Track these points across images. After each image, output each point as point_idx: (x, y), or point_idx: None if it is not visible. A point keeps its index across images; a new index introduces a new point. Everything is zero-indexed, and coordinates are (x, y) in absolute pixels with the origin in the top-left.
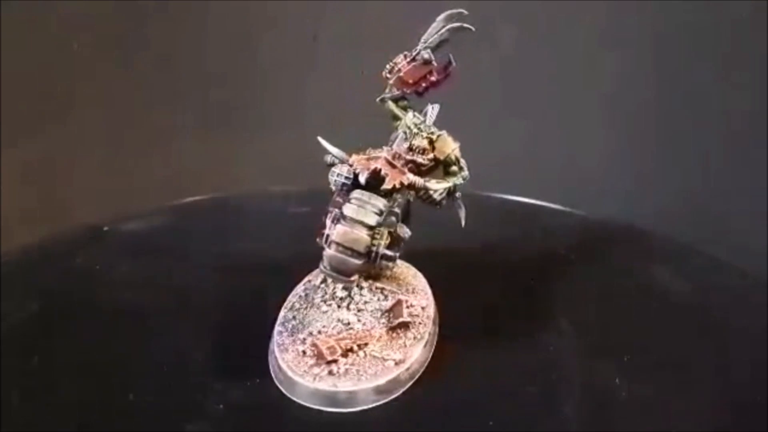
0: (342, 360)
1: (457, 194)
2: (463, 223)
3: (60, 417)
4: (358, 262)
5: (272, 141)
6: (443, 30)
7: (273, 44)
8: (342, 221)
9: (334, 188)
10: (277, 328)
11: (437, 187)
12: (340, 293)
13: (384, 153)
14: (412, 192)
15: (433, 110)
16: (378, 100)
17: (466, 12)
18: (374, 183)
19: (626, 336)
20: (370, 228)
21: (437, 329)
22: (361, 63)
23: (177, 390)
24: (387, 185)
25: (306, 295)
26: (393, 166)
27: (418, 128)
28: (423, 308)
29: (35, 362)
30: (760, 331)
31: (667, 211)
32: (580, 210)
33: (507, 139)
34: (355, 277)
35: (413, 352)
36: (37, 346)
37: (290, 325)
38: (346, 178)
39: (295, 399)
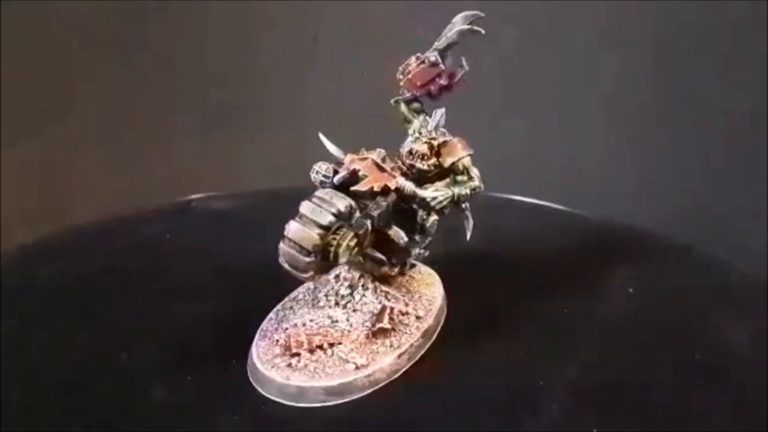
0: (306, 355)
1: (464, 205)
2: (468, 235)
3: (60, 416)
4: (306, 259)
5: (272, 141)
6: (451, 32)
7: (273, 44)
8: (297, 218)
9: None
10: (270, 315)
11: (431, 194)
12: (344, 291)
13: (374, 154)
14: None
15: (435, 115)
16: (392, 101)
17: (482, 14)
18: (349, 183)
19: (626, 336)
20: (323, 227)
21: (430, 343)
22: (361, 63)
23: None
24: (360, 186)
25: (314, 288)
26: (381, 169)
27: (419, 132)
28: (417, 318)
29: (36, 362)
30: (761, 331)
31: (667, 211)
32: (580, 210)
33: (507, 139)
34: (310, 274)
35: (381, 360)
36: (37, 345)
37: (282, 314)
38: (324, 176)
39: (253, 383)
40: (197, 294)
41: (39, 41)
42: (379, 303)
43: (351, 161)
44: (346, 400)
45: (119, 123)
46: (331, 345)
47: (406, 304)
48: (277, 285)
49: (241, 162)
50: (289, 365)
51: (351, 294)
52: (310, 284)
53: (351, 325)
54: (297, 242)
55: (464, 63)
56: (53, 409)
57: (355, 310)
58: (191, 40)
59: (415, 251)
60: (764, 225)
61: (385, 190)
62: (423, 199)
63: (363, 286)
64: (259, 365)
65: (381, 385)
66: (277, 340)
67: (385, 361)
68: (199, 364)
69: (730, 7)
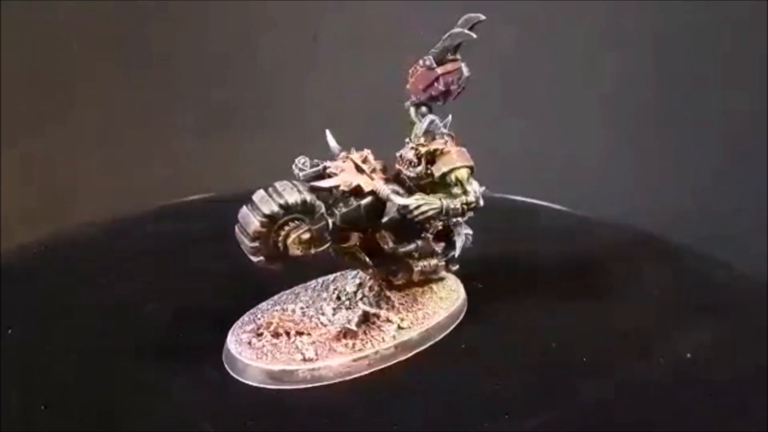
0: (268, 337)
1: (456, 219)
2: (456, 253)
3: (60, 416)
4: (249, 243)
5: (272, 141)
6: (446, 36)
7: (273, 44)
8: (248, 203)
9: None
10: (274, 297)
11: (407, 202)
12: (350, 288)
13: (355, 155)
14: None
15: (424, 121)
16: (405, 105)
17: (483, 17)
18: (319, 179)
19: (625, 335)
20: (266, 216)
21: (410, 355)
22: (361, 63)
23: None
24: (321, 183)
25: (332, 281)
26: (359, 170)
27: (409, 139)
28: (399, 328)
29: (36, 362)
30: (761, 331)
31: (667, 211)
32: (580, 210)
33: (507, 139)
34: (259, 259)
35: (333, 359)
36: (37, 345)
37: (283, 298)
38: (300, 169)
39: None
40: (201, 293)
41: (39, 41)
42: (373, 306)
43: (344, 159)
44: (286, 387)
45: (119, 123)
46: (299, 334)
47: (398, 313)
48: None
49: (241, 162)
50: (249, 342)
51: (354, 293)
52: (329, 276)
53: (331, 321)
54: (243, 226)
55: (464, 68)
56: (53, 409)
57: (348, 308)
58: (191, 40)
59: (429, 262)
60: (764, 225)
61: (358, 191)
62: (405, 206)
63: (369, 287)
64: (228, 336)
65: (326, 382)
66: (258, 319)
67: (336, 360)
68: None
69: (730, 7)
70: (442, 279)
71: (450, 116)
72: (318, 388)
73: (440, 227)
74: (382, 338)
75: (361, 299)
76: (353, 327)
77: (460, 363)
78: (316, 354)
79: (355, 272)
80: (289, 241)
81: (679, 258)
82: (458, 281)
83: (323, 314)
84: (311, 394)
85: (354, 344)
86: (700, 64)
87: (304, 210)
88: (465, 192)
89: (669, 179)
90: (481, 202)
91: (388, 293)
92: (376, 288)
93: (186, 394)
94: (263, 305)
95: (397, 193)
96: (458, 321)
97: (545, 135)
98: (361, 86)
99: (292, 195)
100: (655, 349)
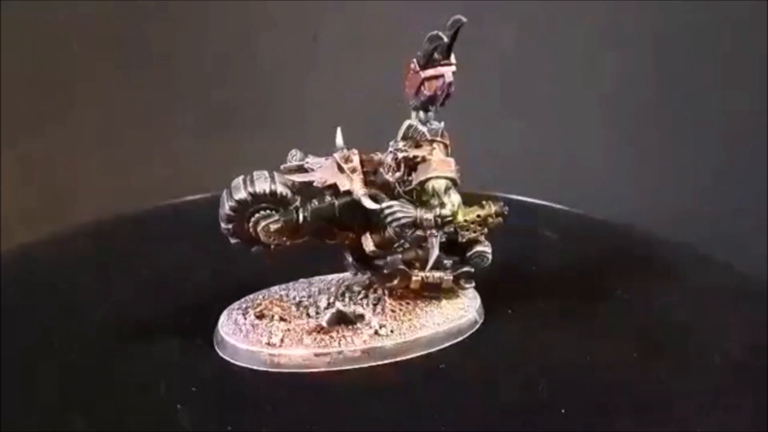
0: (251, 317)
1: (431, 231)
2: (428, 265)
3: (60, 416)
4: (222, 225)
5: (272, 141)
6: (426, 39)
7: (273, 44)
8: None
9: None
10: (288, 283)
11: (377, 207)
12: (357, 288)
13: (339, 153)
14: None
15: (402, 126)
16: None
17: (464, 19)
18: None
19: (625, 335)
20: (236, 201)
21: (372, 365)
22: (361, 63)
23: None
24: (295, 178)
25: (351, 277)
26: (340, 169)
27: (389, 143)
28: (376, 333)
29: (36, 362)
30: (761, 332)
31: (667, 211)
32: (579, 209)
33: (507, 139)
34: (235, 241)
35: (296, 349)
36: (37, 345)
37: (292, 285)
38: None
39: None
40: (201, 292)
41: (39, 41)
42: (365, 308)
43: (341, 157)
44: (249, 366)
45: (119, 123)
46: (281, 319)
47: (385, 319)
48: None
49: (241, 162)
50: (236, 319)
51: (358, 293)
52: (347, 273)
53: (318, 314)
54: (220, 207)
55: (448, 73)
56: (54, 408)
57: (344, 305)
58: (191, 40)
59: (433, 274)
60: (764, 225)
61: (334, 189)
62: (380, 210)
63: (374, 290)
64: (226, 310)
65: (284, 370)
66: (257, 299)
67: (298, 351)
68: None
69: (730, 7)
70: (453, 294)
71: (442, 123)
72: (274, 374)
73: (444, 239)
74: (352, 340)
75: (362, 299)
76: (323, 323)
77: (420, 386)
78: (281, 341)
79: (367, 274)
80: (259, 228)
81: (679, 257)
82: (476, 301)
83: (315, 306)
84: (267, 378)
85: (322, 340)
86: (700, 64)
87: (275, 200)
88: (441, 204)
89: (669, 179)
90: (458, 218)
91: (387, 298)
92: (379, 291)
93: (170, 357)
94: (274, 288)
95: (376, 196)
96: (456, 340)
97: (545, 135)
98: (362, 86)
99: (263, 185)
100: (655, 348)
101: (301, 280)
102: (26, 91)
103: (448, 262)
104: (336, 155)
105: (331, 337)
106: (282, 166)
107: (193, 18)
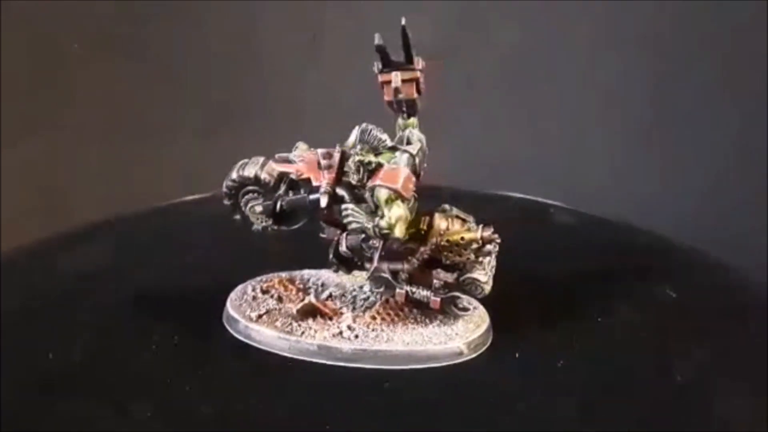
0: (258, 291)
1: (372, 242)
2: (368, 274)
3: (59, 416)
4: (224, 201)
5: (272, 141)
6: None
7: (273, 44)
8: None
9: None
10: (322, 270)
11: (342, 211)
12: (367, 288)
13: (322, 149)
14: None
15: (355, 129)
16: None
17: (402, 22)
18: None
19: (624, 334)
20: (231, 180)
21: (320, 362)
22: (361, 63)
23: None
24: (278, 166)
25: (336, 271)
26: (319, 165)
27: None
28: (339, 334)
29: (36, 361)
30: (761, 331)
31: (668, 211)
32: (580, 209)
33: (507, 139)
34: (236, 218)
35: (264, 328)
36: (37, 345)
37: (322, 272)
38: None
39: None
40: (201, 291)
41: (39, 41)
42: (355, 308)
43: (323, 153)
44: (232, 332)
45: (119, 123)
46: (279, 299)
47: (365, 323)
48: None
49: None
50: (245, 290)
51: (365, 292)
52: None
53: (315, 300)
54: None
55: (395, 79)
56: (54, 408)
57: (341, 297)
58: (191, 40)
59: (419, 291)
60: (764, 225)
61: (308, 183)
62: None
63: (383, 297)
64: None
65: (252, 343)
66: (274, 277)
67: (267, 332)
68: None
69: (730, 7)
70: (456, 319)
71: (408, 131)
72: (246, 345)
73: (426, 256)
74: (313, 334)
75: (361, 299)
76: (294, 311)
77: (342, 397)
78: (259, 317)
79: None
80: (247, 208)
81: (679, 257)
82: (474, 333)
83: (318, 294)
84: (238, 346)
85: (290, 326)
86: (700, 64)
87: (259, 185)
88: (381, 215)
89: (670, 179)
90: (394, 233)
91: (381, 304)
92: (388, 300)
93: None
94: (301, 271)
95: (343, 196)
96: (422, 366)
97: (546, 135)
98: (362, 86)
99: (250, 170)
100: (655, 348)
101: (328, 270)
102: (26, 91)
103: (438, 283)
104: (319, 151)
105: (299, 325)
106: (276, 155)
107: (193, 18)
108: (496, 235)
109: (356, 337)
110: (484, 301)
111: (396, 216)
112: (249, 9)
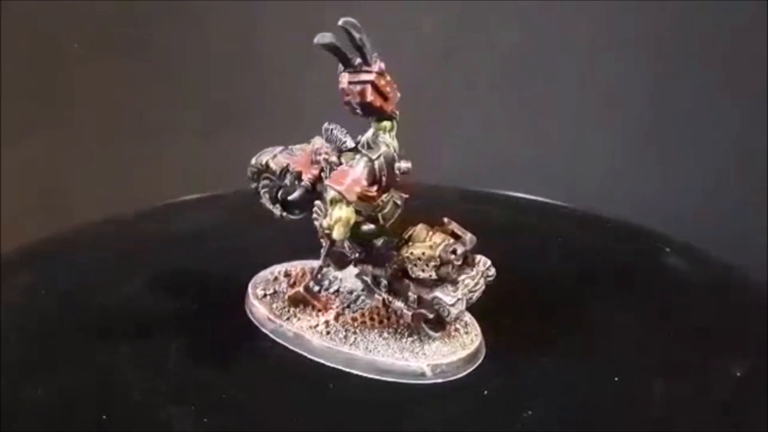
0: (281, 277)
1: (340, 244)
2: (314, 273)
3: (60, 415)
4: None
5: (272, 141)
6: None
7: (273, 44)
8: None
9: None
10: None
11: (316, 205)
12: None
13: (315, 146)
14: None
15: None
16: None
17: (340, 23)
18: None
19: (624, 335)
20: (253, 165)
21: (297, 353)
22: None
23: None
24: (282, 157)
25: (327, 265)
26: (310, 160)
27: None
28: (311, 328)
29: (36, 361)
30: (761, 331)
31: (668, 211)
32: (580, 208)
33: (507, 139)
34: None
35: (262, 307)
36: (37, 345)
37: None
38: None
39: None
40: (202, 291)
41: (39, 41)
42: (351, 304)
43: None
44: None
45: (119, 123)
46: (291, 285)
47: (347, 323)
48: None
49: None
50: (272, 271)
51: (373, 291)
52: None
53: (320, 292)
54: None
55: (342, 80)
56: (55, 408)
57: (348, 292)
58: (191, 40)
59: (396, 302)
60: (764, 225)
61: (298, 176)
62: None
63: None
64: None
65: (251, 319)
66: (299, 264)
67: (261, 309)
68: None
69: (730, 7)
70: (438, 338)
71: (374, 134)
72: (246, 319)
73: (396, 266)
74: (293, 321)
75: (364, 296)
76: (284, 295)
77: (280, 388)
78: (262, 297)
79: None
80: (261, 192)
81: (679, 257)
82: (441, 359)
83: (327, 286)
84: (237, 317)
85: (280, 309)
86: (700, 64)
87: (270, 172)
88: (325, 215)
89: (670, 179)
90: (334, 235)
91: (374, 306)
92: (390, 308)
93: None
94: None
95: (321, 193)
96: (377, 377)
97: (545, 135)
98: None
99: (263, 157)
100: (654, 349)
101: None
102: (26, 91)
103: (413, 296)
104: (315, 147)
105: (288, 310)
106: (290, 147)
107: (193, 18)
108: (453, 256)
109: (327, 333)
110: (484, 315)
111: (336, 217)
112: (249, 9)
